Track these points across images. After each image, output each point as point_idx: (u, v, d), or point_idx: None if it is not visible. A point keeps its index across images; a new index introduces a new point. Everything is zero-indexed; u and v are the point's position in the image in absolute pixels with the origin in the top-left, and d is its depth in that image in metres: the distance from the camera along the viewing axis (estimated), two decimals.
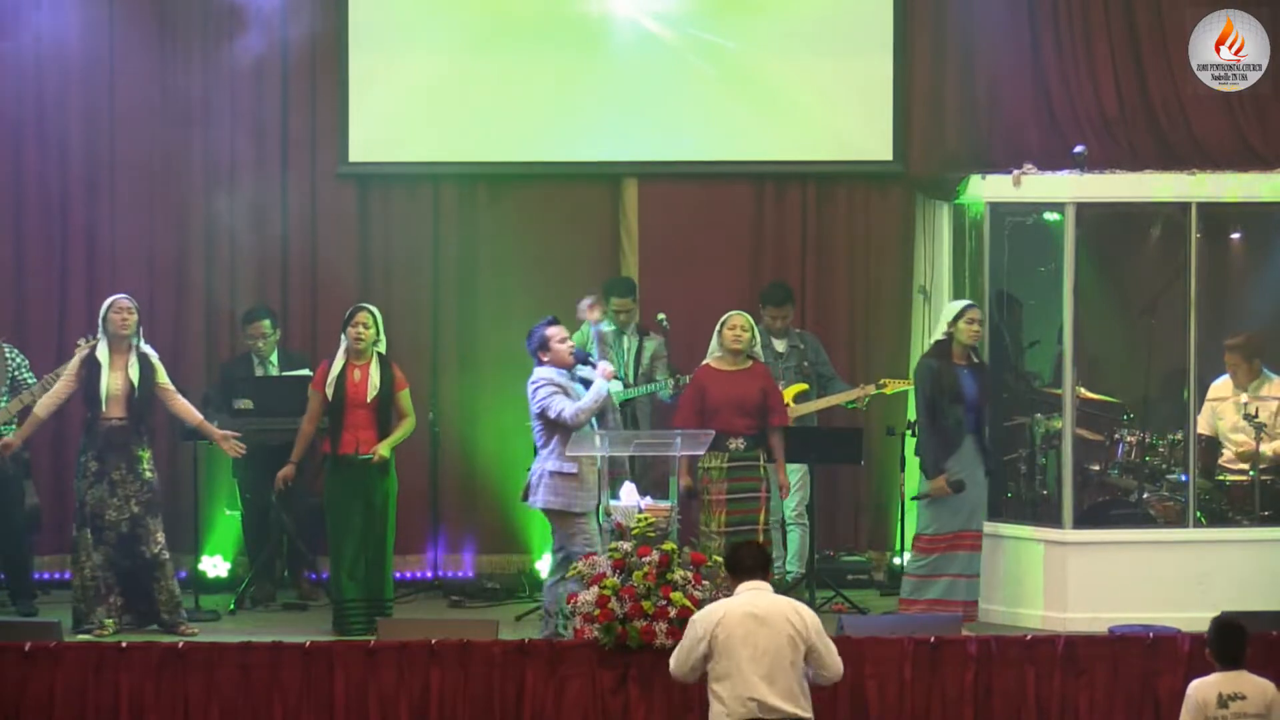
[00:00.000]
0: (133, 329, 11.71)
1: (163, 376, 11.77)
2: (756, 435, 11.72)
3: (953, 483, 11.67)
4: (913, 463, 12.12)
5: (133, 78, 13.15)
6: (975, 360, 11.83)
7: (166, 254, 13.28)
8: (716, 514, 11.62)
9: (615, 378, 11.28)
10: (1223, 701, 8.34)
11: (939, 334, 11.87)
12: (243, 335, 12.94)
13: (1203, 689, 8.44)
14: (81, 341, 11.95)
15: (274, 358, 12.84)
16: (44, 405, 11.77)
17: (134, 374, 11.65)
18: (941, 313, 12.13)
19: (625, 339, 12.74)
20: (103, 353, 11.69)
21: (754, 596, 8.51)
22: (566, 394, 11.04)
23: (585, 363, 11.25)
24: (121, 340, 11.69)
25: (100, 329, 11.75)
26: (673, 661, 8.67)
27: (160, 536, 11.67)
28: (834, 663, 8.55)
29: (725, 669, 8.40)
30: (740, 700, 8.35)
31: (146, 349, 11.79)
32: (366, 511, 11.75)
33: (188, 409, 11.83)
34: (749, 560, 8.64)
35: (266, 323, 12.81)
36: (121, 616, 11.63)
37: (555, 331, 11.19)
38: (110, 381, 11.63)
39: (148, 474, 11.67)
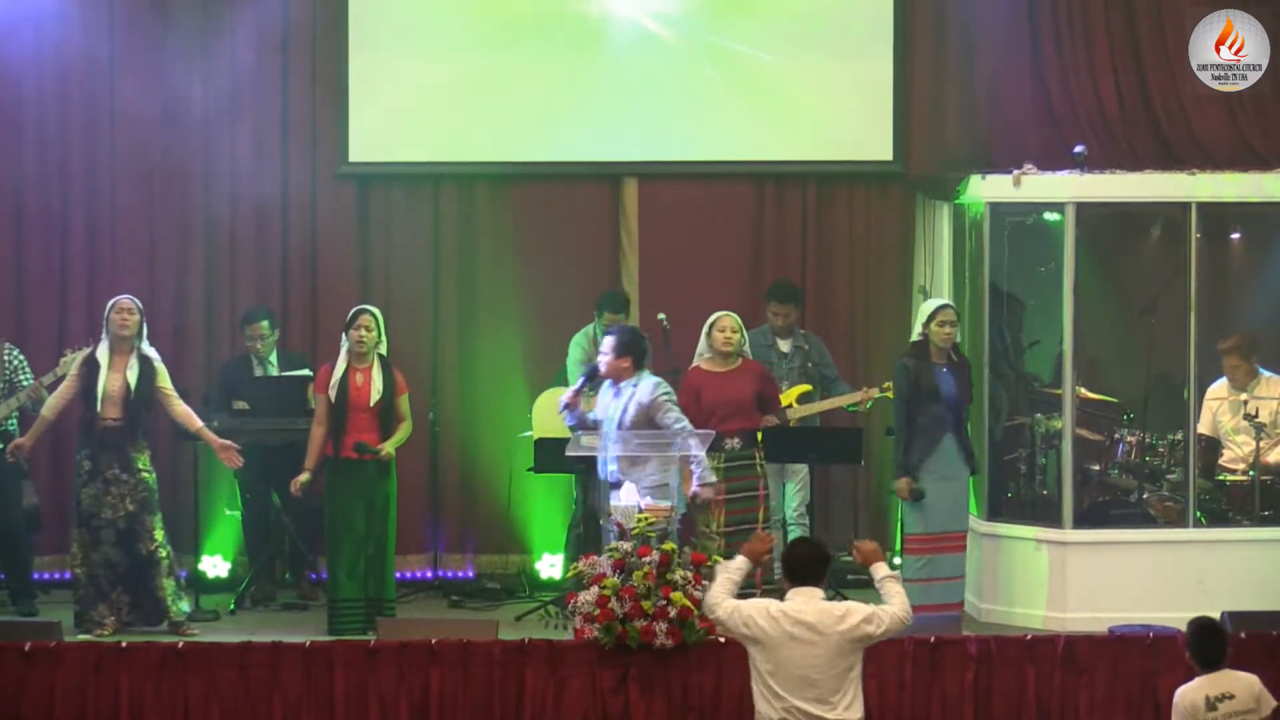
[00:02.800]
0: (133, 329, 11.70)
1: (164, 380, 11.75)
2: (751, 433, 11.72)
3: (914, 490, 11.70)
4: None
5: (133, 78, 13.14)
6: (954, 359, 11.82)
7: (166, 254, 13.28)
8: (716, 514, 11.62)
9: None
10: (1211, 704, 8.33)
11: (915, 334, 11.88)
12: (241, 336, 12.94)
13: (1189, 694, 8.42)
14: (68, 352, 11.96)
15: (273, 358, 12.84)
16: (50, 406, 11.79)
17: (132, 376, 11.65)
18: (918, 313, 12.13)
19: None
20: (103, 353, 11.69)
21: (803, 604, 8.44)
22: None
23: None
24: (123, 341, 11.69)
25: (104, 328, 11.76)
26: (721, 607, 8.40)
27: (158, 534, 11.66)
28: (892, 626, 8.44)
29: (770, 673, 8.33)
30: (786, 706, 8.31)
31: (149, 351, 11.78)
32: (367, 513, 11.76)
33: (187, 414, 11.81)
34: (804, 564, 8.52)
35: (265, 323, 12.81)
36: (127, 613, 11.63)
37: None
38: (108, 382, 11.63)
39: (144, 474, 11.66)
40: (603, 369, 11.23)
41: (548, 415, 12.64)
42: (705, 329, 11.79)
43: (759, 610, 8.37)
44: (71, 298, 13.24)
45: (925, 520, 11.73)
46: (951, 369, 11.78)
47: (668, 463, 10.89)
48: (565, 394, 11.39)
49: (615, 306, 12.69)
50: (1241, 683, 8.42)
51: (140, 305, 11.81)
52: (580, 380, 11.41)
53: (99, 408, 11.61)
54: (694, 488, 11.07)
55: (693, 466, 11.08)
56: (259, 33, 13.26)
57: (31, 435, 11.87)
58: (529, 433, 12.75)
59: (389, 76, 13.32)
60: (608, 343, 11.26)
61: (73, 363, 11.85)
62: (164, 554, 11.70)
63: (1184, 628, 8.76)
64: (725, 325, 11.74)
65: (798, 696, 8.29)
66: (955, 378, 11.77)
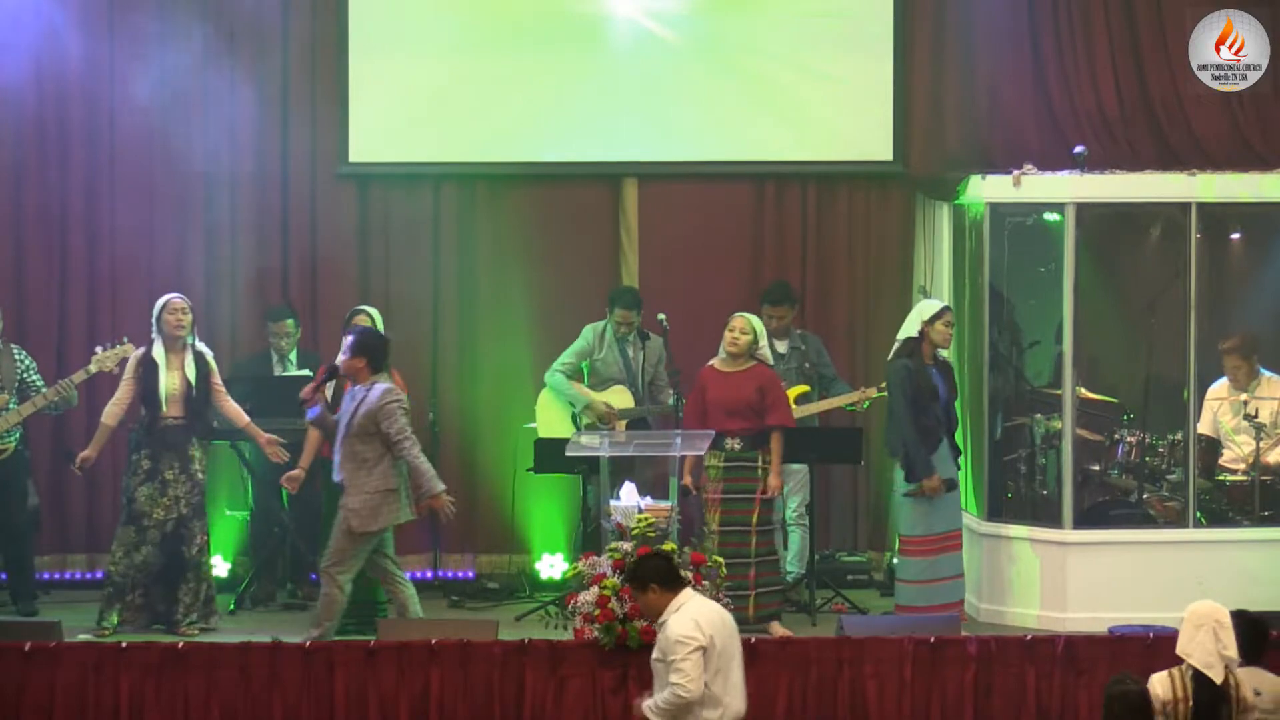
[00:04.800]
0: (188, 328, 11.73)
1: (216, 375, 11.80)
2: (753, 436, 11.71)
3: (946, 480, 11.70)
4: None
5: (132, 78, 13.13)
6: (938, 359, 11.83)
7: (166, 254, 13.27)
8: (711, 513, 11.63)
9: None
10: None
11: (910, 331, 11.82)
12: (266, 332, 12.93)
13: None
14: (98, 350, 11.94)
15: (293, 356, 12.83)
16: (110, 414, 11.74)
17: (191, 373, 11.68)
18: (915, 310, 12.09)
19: (630, 349, 12.70)
20: (159, 353, 11.69)
21: (709, 603, 8.55)
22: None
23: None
24: (176, 340, 11.71)
25: (154, 329, 11.74)
26: (692, 686, 8.43)
27: (201, 539, 11.72)
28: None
29: (719, 671, 8.42)
30: (731, 706, 8.37)
31: (202, 347, 11.82)
32: None
33: (236, 411, 11.85)
34: (676, 569, 8.72)
35: (290, 322, 12.79)
36: (138, 615, 11.64)
37: None
38: (168, 382, 11.65)
39: (199, 474, 11.71)
40: (340, 366, 11.07)
41: (551, 410, 12.68)
42: (726, 328, 11.80)
43: (695, 627, 8.45)
44: (71, 298, 13.23)
45: (929, 522, 11.72)
46: (939, 369, 11.80)
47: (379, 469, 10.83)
48: (306, 386, 11.15)
49: (626, 302, 12.68)
50: (1274, 684, 8.40)
51: (189, 303, 11.81)
52: (322, 376, 11.21)
53: (163, 408, 11.62)
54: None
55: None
56: (259, 33, 13.25)
57: (95, 445, 11.82)
58: (533, 424, 12.79)
59: (389, 76, 13.32)
60: (346, 341, 11.07)
61: (108, 361, 11.83)
62: (206, 559, 11.78)
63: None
64: (735, 325, 11.72)
65: (740, 695, 8.48)
66: (944, 378, 11.79)
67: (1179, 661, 8.25)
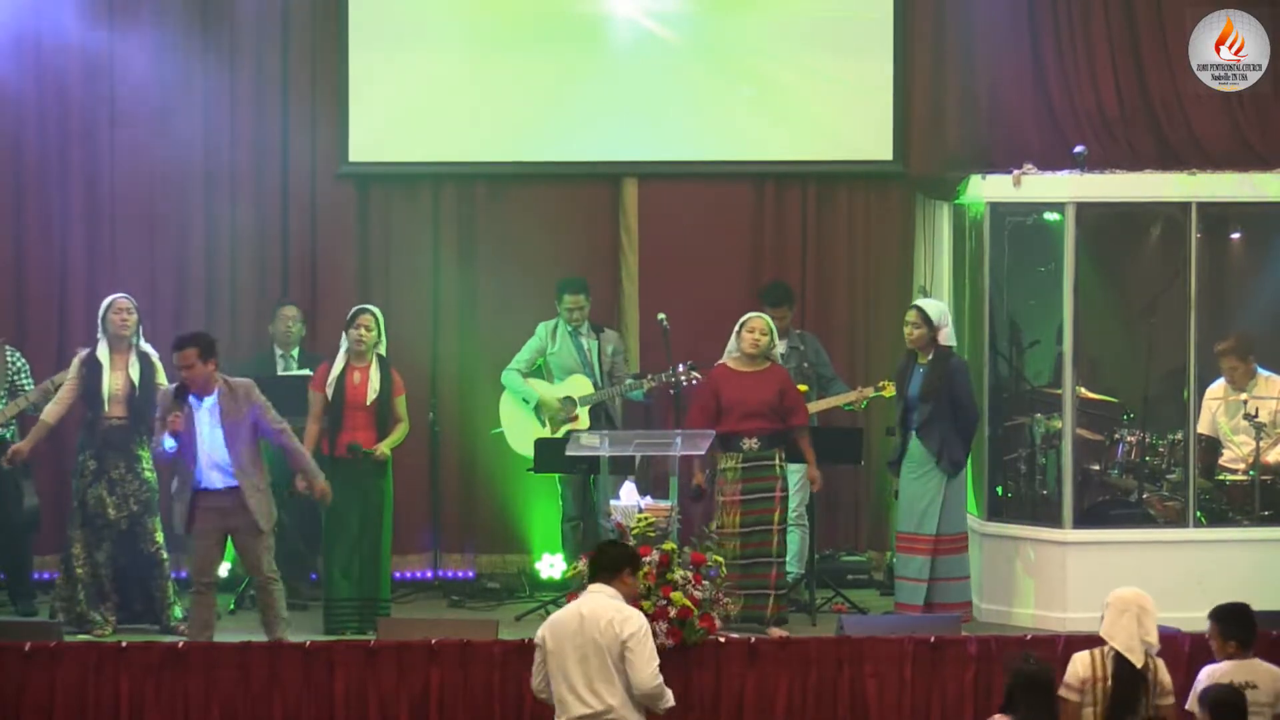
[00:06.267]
0: (132, 329, 11.73)
1: (161, 377, 11.77)
2: (771, 436, 11.69)
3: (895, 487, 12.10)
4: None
5: (133, 78, 13.13)
6: (936, 356, 11.81)
7: (166, 255, 13.27)
8: (731, 514, 11.59)
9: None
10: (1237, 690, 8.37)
11: None
12: (270, 328, 12.91)
13: (1215, 675, 8.46)
14: (82, 352, 11.94)
15: (295, 353, 12.80)
16: (51, 412, 11.76)
17: (134, 373, 11.67)
18: None
19: (584, 339, 12.75)
20: (103, 353, 11.70)
21: (587, 599, 8.52)
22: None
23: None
24: (121, 340, 11.71)
25: (100, 328, 11.76)
26: (532, 682, 8.67)
27: (159, 536, 11.70)
28: (642, 676, 8.43)
29: (555, 671, 8.42)
30: (563, 701, 8.38)
31: (147, 348, 11.82)
32: (362, 512, 11.77)
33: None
34: (601, 561, 8.67)
35: (294, 308, 12.76)
36: (118, 614, 11.65)
37: None
38: (111, 381, 11.65)
39: (147, 473, 11.69)
40: (190, 380, 10.65)
41: (513, 409, 12.71)
42: (736, 328, 11.77)
43: (538, 637, 8.53)
44: (71, 298, 13.23)
45: (899, 519, 11.95)
46: (926, 368, 11.80)
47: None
48: (174, 417, 10.63)
49: (573, 289, 12.73)
50: (1269, 674, 8.46)
51: (135, 303, 11.82)
52: (188, 400, 10.69)
53: (105, 408, 11.62)
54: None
55: None
56: (259, 33, 13.25)
57: (30, 441, 11.85)
58: (500, 429, 12.85)
59: (389, 76, 13.32)
60: (185, 354, 10.57)
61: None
62: (165, 555, 11.73)
63: (1207, 616, 8.77)
64: (755, 327, 11.70)
65: (580, 690, 8.36)
66: (924, 378, 11.76)
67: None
